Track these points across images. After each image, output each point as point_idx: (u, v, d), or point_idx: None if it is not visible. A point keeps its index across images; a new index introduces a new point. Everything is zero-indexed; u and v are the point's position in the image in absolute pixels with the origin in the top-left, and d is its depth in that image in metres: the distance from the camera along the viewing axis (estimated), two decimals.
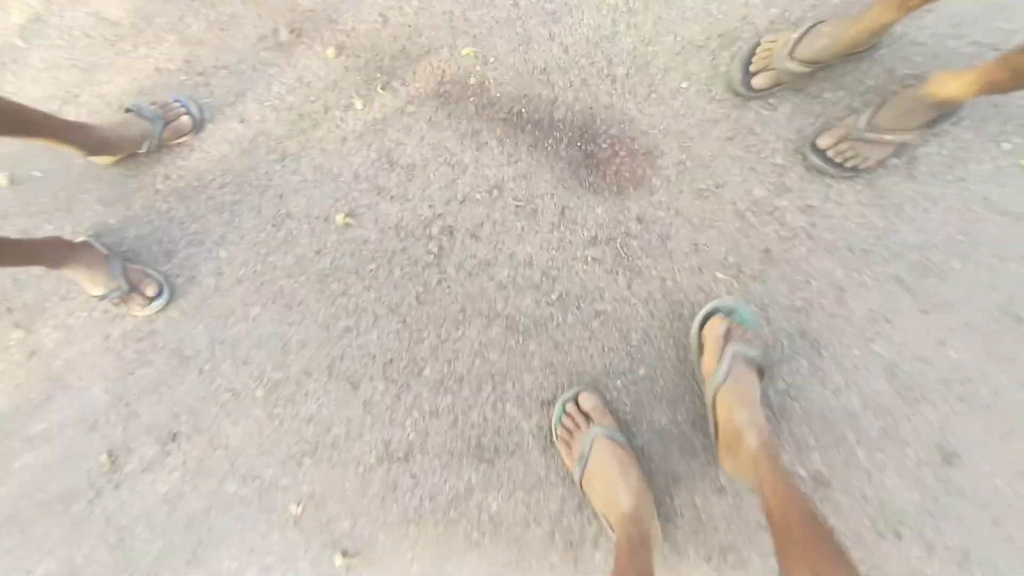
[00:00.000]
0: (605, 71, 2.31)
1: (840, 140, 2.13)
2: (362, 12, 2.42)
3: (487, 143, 2.33)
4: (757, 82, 2.19)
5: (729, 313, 2.05)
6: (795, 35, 2.11)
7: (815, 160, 2.17)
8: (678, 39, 2.29)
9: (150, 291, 2.32)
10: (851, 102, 2.21)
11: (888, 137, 2.08)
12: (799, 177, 2.20)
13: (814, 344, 2.14)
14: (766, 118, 2.24)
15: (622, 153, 2.27)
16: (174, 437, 2.30)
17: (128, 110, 2.35)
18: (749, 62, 2.20)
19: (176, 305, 2.35)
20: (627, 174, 2.26)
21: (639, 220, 2.24)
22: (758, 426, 1.73)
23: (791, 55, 2.10)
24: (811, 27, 2.11)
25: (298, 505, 2.24)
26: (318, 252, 2.34)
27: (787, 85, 2.20)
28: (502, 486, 2.18)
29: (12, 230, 2.39)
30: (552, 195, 2.28)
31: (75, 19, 2.52)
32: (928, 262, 2.13)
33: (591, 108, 2.31)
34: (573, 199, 2.27)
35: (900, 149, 2.12)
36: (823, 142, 2.15)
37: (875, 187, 2.18)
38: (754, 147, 2.23)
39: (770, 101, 2.24)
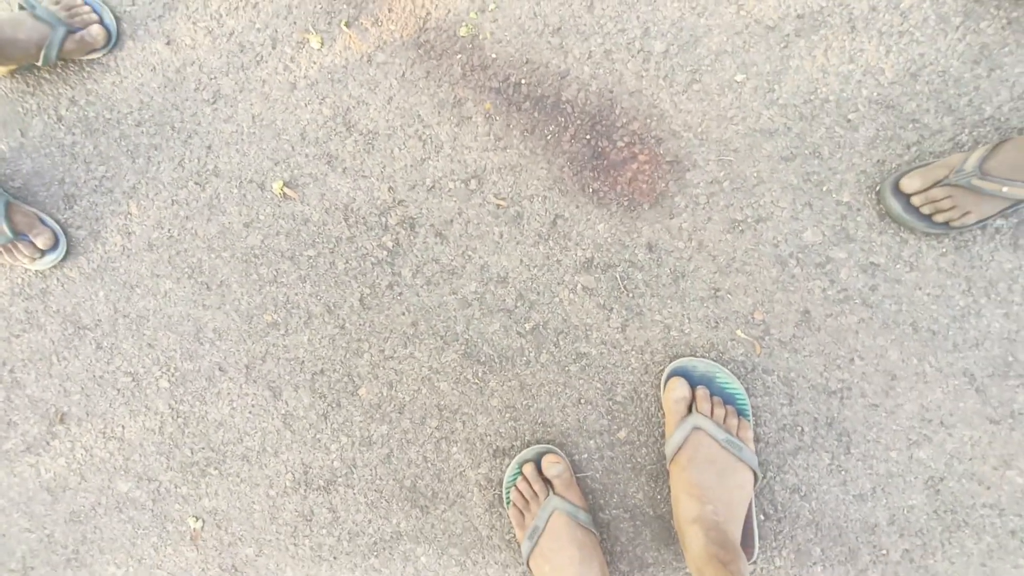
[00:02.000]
0: (637, 44, 1.11)
1: (934, 184, 0.99)
2: None
3: (471, 118, 1.15)
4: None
5: (704, 381, 1.00)
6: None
7: (894, 205, 1.02)
8: (742, 13, 1.09)
9: (42, 242, 1.17)
10: (959, 134, 1.05)
11: (1005, 189, 0.95)
12: (868, 224, 1.07)
13: (843, 438, 1.08)
14: (840, 139, 1.07)
15: (642, 157, 1.11)
16: (62, 418, 1.22)
17: (21, 6, 1.15)
18: None
19: (74, 262, 1.22)
20: (644, 186, 1.11)
21: (650, 248, 1.11)
22: (705, 525, 0.92)
23: None
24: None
25: (197, 520, 1.19)
26: (247, 225, 1.19)
27: None
28: (435, 539, 1.14)
29: None
30: (544, 198, 1.14)
31: None
32: (1013, 361, 1.04)
33: (611, 91, 1.12)
34: (570, 207, 1.13)
35: (1015, 208, 1.00)
36: (910, 184, 1.00)
37: (965, 253, 1.06)
38: (816, 175, 1.07)
39: (849, 117, 1.08)
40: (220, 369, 1.16)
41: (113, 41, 1.16)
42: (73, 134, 1.17)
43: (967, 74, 1.01)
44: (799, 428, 1.05)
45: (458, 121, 1.11)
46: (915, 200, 0.98)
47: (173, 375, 1.17)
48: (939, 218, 0.98)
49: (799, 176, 1.04)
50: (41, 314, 1.19)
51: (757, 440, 1.05)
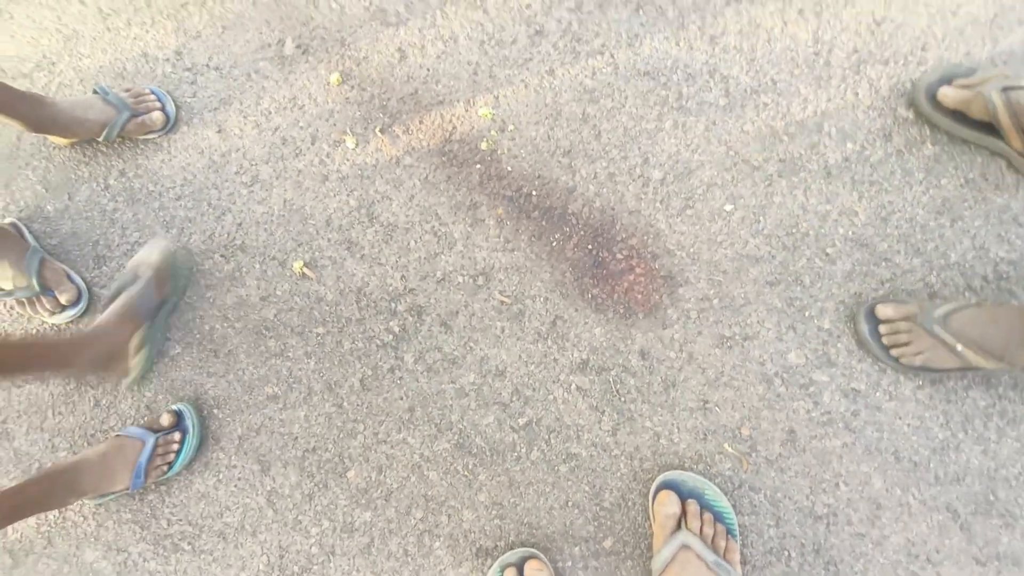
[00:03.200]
0: (638, 170, 0.95)
1: (904, 318, 0.81)
2: (380, 42, 1.04)
3: (484, 221, 0.96)
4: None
5: (693, 495, 0.73)
6: None
7: (863, 328, 0.81)
8: (731, 153, 0.94)
9: (65, 297, 0.92)
10: (928, 275, 0.88)
11: (959, 348, 0.75)
12: (847, 351, 0.87)
13: (829, 566, 0.81)
14: (819, 270, 0.89)
15: (638, 270, 0.92)
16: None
17: (95, 91, 0.97)
18: None
19: (93, 319, 0.97)
20: (639, 296, 0.91)
21: (643, 355, 0.89)
22: None
23: None
24: None
25: None
26: (264, 299, 0.96)
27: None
28: None
29: None
30: (546, 299, 0.93)
31: None
32: (994, 499, 0.81)
33: (613, 209, 0.94)
34: (570, 310, 0.92)
35: (962, 373, 0.80)
36: (883, 311, 0.79)
37: (940, 388, 0.85)
38: (799, 301, 0.88)
39: (827, 251, 0.90)
40: (213, 438, 0.89)
41: (171, 125, 0.97)
42: (116, 202, 0.96)
43: (932, 222, 0.84)
44: (786, 552, 0.79)
45: (472, 222, 0.91)
46: (882, 328, 0.79)
47: None
48: (894, 351, 0.78)
49: (783, 300, 0.84)
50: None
51: (744, 562, 0.78)
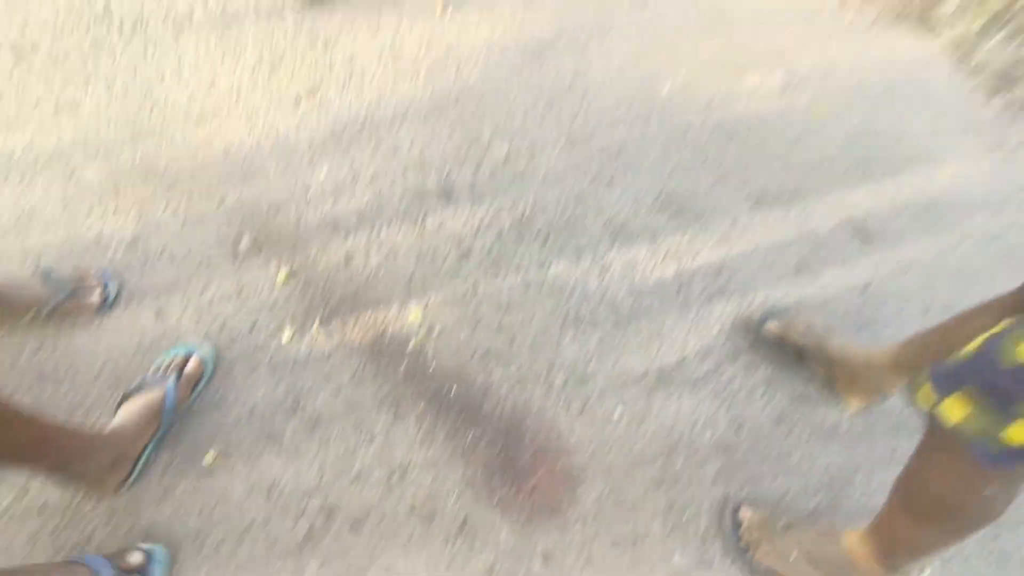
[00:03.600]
0: (544, 376, 1.02)
1: (758, 525, 0.87)
2: (330, 247, 1.10)
3: (405, 417, 0.95)
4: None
5: None
6: None
7: (727, 523, 0.86)
8: (618, 363, 1.05)
9: None
10: (774, 481, 0.96)
11: (792, 559, 0.82)
12: (722, 552, 0.90)
13: None
14: (693, 473, 0.95)
15: (542, 470, 0.93)
16: None
17: (40, 270, 0.92)
18: None
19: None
20: (543, 495, 0.91)
21: (545, 559, 0.86)
22: None
23: None
24: None
25: None
26: (163, 496, 0.85)
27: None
28: None
29: None
30: (458, 497, 0.90)
31: (48, 166, 1.11)
32: None
33: (522, 409, 0.99)
34: (479, 510, 0.89)
35: None
36: (743, 514, 0.87)
37: None
38: (679, 502, 0.92)
39: (698, 455, 0.98)
40: None
41: (108, 305, 0.93)
42: (24, 379, 0.86)
43: (774, 431, 0.96)
44: None
45: (394, 418, 0.90)
46: (743, 528, 0.83)
47: None
48: (747, 553, 0.82)
49: (666, 501, 0.88)
50: None
51: None
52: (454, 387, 0.91)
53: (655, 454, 0.89)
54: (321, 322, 0.94)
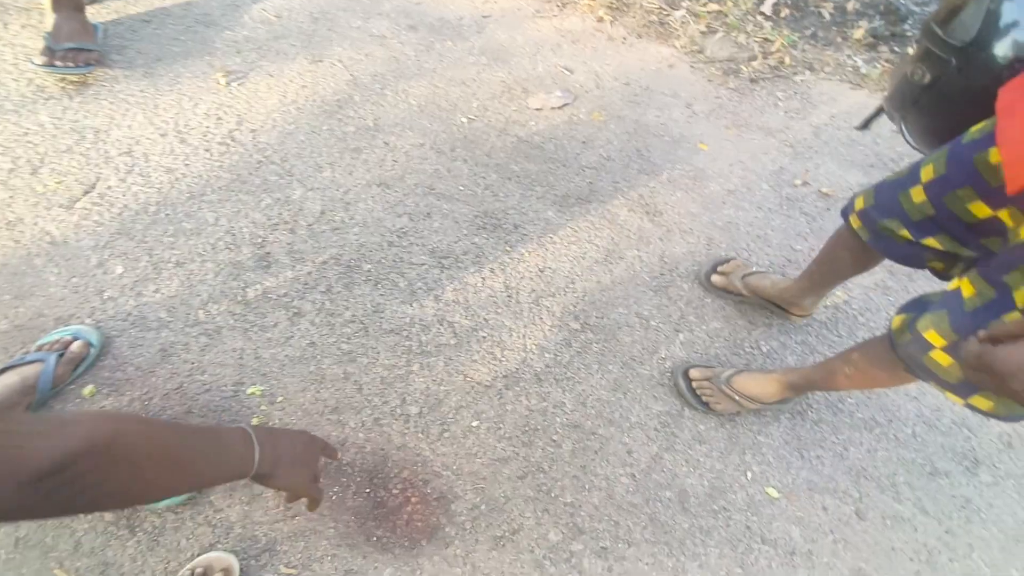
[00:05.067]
0: (399, 410, 1.09)
1: (706, 378, 1.09)
2: (141, 347, 1.06)
3: (261, 494, 0.96)
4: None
5: None
6: None
7: (682, 385, 1.11)
8: (467, 379, 1.16)
9: None
10: (623, 436, 1.14)
11: (737, 398, 1.04)
12: (590, 516, 1.04)
13: None
14: (553, 454, 1.09)
15: (414, 499, 0.99)
16: None
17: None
18: None
19: None
20: (419, 523, 0.97)
21: None
22: None
23: None
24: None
25: None
26: None
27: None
28: None
29: None
30: (333, 556, 0.91)
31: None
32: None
33: (383, 449, 1.04)
34: (358, 559, 0.92)
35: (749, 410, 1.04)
36: (693, 373, 1.10)
37: (658, 523, 1.06)
38: (544, 486, 1.05)
39: (553, 438, 1.12)
40: None
41: None
42: None
43: (612, 397, 1.13)
44: None
45: (249, 500, 0.90)
46: (694, 384, 1.06)
47: None
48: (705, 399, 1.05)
49: (532, 488, 1.00)
50: None
51: None
52: None
53: (516, 450, 1.01)
54: None
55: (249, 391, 0.98)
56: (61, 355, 0.83)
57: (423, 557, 0.88)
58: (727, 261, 1.28)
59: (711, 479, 1.03)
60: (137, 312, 1.02)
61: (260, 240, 1.16)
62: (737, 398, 1.04)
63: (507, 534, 0.92)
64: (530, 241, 1.29)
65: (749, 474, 1.06)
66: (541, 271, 1.26)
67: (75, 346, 0.87)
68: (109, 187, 1.16)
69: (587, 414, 1.06)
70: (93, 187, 1.15)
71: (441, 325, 1.12)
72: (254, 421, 0.95)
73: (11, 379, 0.79)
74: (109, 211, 1.13)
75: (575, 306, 1.19)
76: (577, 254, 1.29)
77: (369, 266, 1.18)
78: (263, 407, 0.97)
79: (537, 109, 1.55)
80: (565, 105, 1.58)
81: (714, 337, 1.21)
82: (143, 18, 1.46)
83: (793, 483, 1.06)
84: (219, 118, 1.31)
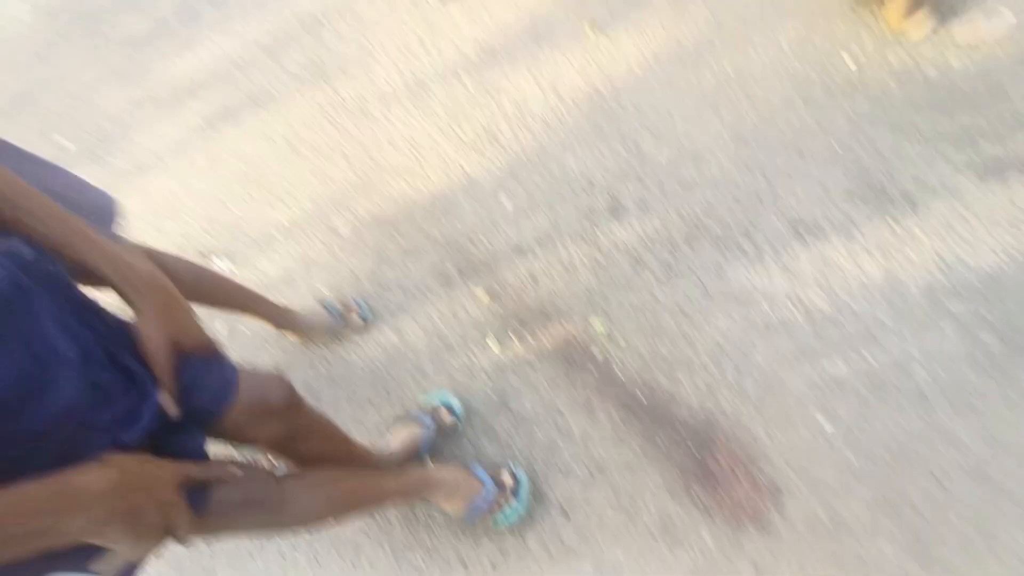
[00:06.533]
0: (734, 383, 1.04)
1: None
2: (518, 268, 1.31)
3: (599, 420, 1.09)
4: None
5: None
6: None
7: None
8: (819, 370, 1.03)
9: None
10: None
11: None
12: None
13: None
14: (935, 497, 0.89)
15: (743, 478, 0.96)
16: None
17: (323, 304, 1.33)
18: None
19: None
20: (744, 504, 0.95)
21: (756, 567, 0.91)
22: None
23: None
24: None
25: None
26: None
27: None
28: None
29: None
30: (656, 498, 1.00)
31: (314, 224, 1.57)
32: None
33: (714, 417, 1.03)
34: (679, 512, 0.96)
35: None
36: None
37: None
38: (913, 527, 0.86)
39: (936, 474, 0.91)
40: None
41: (365, 328, 1.28)
42: (319, 382, 1.24)
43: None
44: None
45: (590, 420, 1.05)
46: None
47: None
48: None
49: (895, 523, 0.84)
50: None
51: None
52: (643, 393, 1.02)
53: (875, 471, 0.86)
54: (518, 335, 1.15)
55: (595, 327, 1.10)
56: (434, 421, 1.02)
57: (744, 536, 0.86)
58: None
59: None
60: (516, 240, 1.25)
61: (612, 189, 1.24)
62: None
63: (853, 559, 0.81)
64: (928, 218, 1.02)
65: None
66: (941, 259, 0.98)
67: (448, 419, 1.04)
68: (503, 134, 1.42)
69: (998, 464, 0.81)
70: (493, 134, 1.43)
71: (791, 302, 1.01)
72: (596, 354, 1.07)
73: (404, 435, 0.97)
74: (502, 154, 1.39)
75: (990, 313, 0.90)
76: (1002, 243, 0.96)
77: (715, 226, 1.14)
78: (605, 344, 1.07)
79: (966, 44, 1.15)
80: (1011, 34, 1.12)
81: None
82: None
83: None
84: (584, 73, 1.43)
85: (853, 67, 1.21)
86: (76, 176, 0.77)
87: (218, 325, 1.29)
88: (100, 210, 0.78)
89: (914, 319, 0.93)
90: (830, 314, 0.98)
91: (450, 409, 1.05)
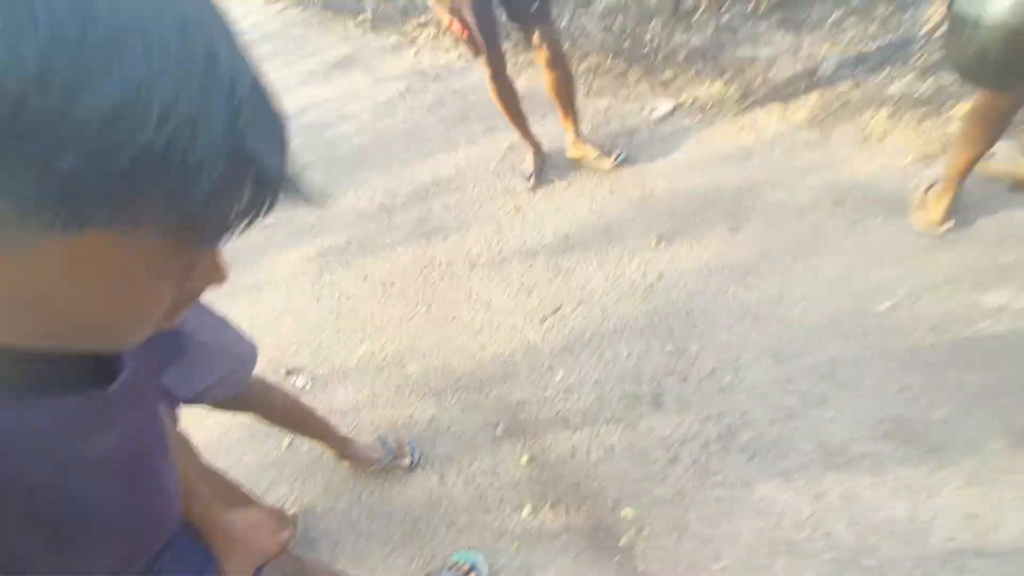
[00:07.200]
0: None
1: None
2: (561, 440, 1.48)
3: None
4: None
5: None
6: None
7: None
8: None
9: None
10: None
11: None
12: None
13: None
14: None
15: None
16: None
17: (379, 438, 1.56)
18: None
19: None
20: None
21: None
22: None
23: None
24: None
25: None
26: None
27: None
28: None
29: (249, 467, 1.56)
30: None
31: (389, 362, 1.86)
32: None
33: None
34: None
35: None
36: None
37: None
38: None
39: None
40: None
41: (413, 467, 1.47)
42: (359, 513, 1.40)
43: None
44: None
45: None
46: None
47: None
48: None
49: None
50: None
51: None
52: None
53: None
54: (552, 504, 1.29)
55: (623, 511, 1.23)
56: None
57: None
58: None
59: None
60: (563, 413, 1.45)
61: (656, 382, 1.45)
62: None
63: None
64: (956, 472, 1.12)
65: None
66: (969, 518, 1.07)
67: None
68: (566, 312, 1.71)
69: None
70: (557, 310, 1.72)
71: (816, 530, 1.11)
72: (621, 541, 1.18)
73: None
74: (562, 330, 1.66)
75: None
76: None
77: (747, 437, 1.29)
78: (632, 531, 1.19)
79: (995, 308, 1.35)
80: None
81: None
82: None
83: None
84: (646, 271, 1.73)
85: (885, 308, 1.43)
86: (235, 331, 1.08)
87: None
88: (247, 359, 1.09)
89: (937, 567, 1.00)
90: (855, 548, 1.07)
91: (478, 573, 1.17)
